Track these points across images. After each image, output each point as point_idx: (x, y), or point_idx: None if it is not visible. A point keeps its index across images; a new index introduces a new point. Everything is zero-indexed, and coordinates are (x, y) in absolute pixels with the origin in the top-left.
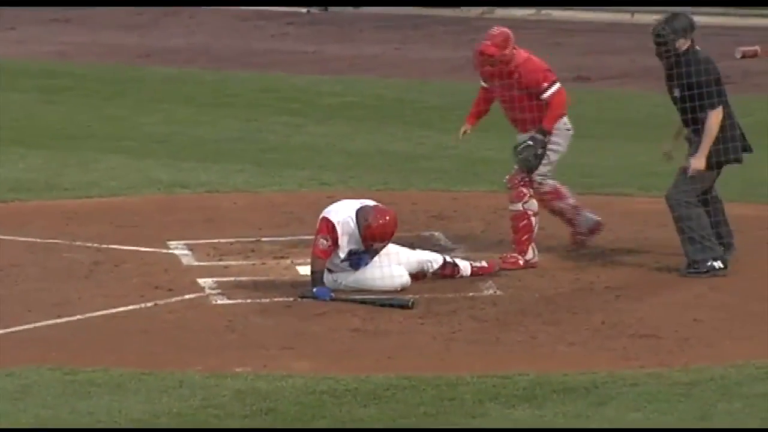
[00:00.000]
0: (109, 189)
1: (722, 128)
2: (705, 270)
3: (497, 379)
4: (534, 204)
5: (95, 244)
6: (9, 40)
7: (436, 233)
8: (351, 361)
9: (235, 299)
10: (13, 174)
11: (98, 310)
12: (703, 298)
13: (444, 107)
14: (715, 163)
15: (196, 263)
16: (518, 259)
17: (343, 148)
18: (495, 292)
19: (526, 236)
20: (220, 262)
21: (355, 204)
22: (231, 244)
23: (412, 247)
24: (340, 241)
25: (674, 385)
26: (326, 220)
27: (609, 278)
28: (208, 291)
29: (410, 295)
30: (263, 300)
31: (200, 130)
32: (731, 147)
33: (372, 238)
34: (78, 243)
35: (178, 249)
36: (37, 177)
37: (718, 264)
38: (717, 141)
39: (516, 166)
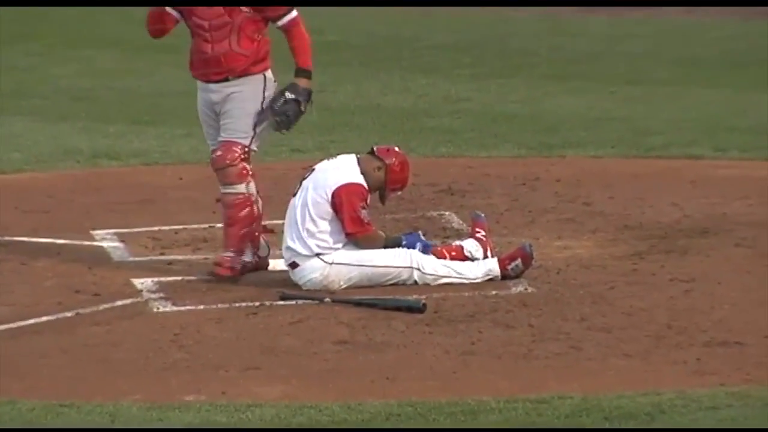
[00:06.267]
0: (12, 163)
1: None
2: None
3: (531, 404)
4: (254, 188)
5: None
6: None
7: (446, 213)
8: (337, 383)
9: (183, 305)
10: None
11: (1, 324)
12: None
13: (453, 47)
14: None
15: (131, 258)
16: (237, 262)
17: (321, 103)
18: (526, 289)
19: (246, 229)
20: (162, 257)
21: (343, 160)
22: (176, 232)
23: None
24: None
25: (766, 408)
26: (356, 185)
27: (676, 268)
28: (146, 295)
29: (416, 295)
30: (220, 306)
31: (130, 82)
32: None
33: (403, 179)
34: None
35: (106, 240)
36: None
37: None
38: None
39: (225, 134)
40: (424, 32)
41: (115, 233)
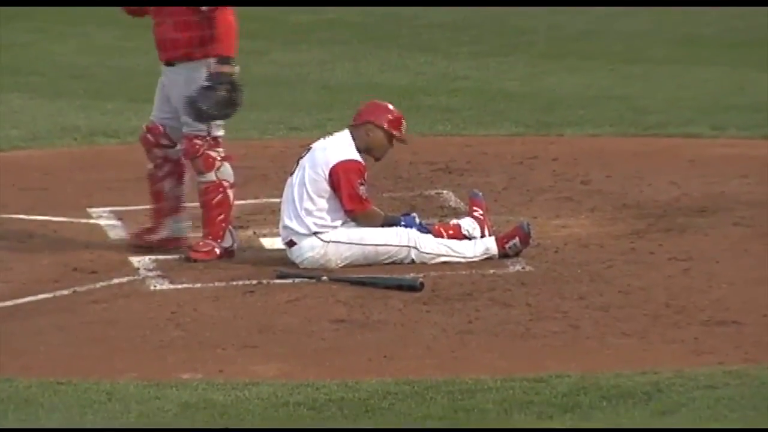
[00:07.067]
0: (10, 140)
1: None
2: None
3: (528, 383)
4: (229, 170)
5: None
6: None
7: (444, 192)
8: (334, 361)
9: (180, 283)
10: None
11: None
12: None
13: (452, 25)
14: None
15: (128, 236)
16: (213, 247)
17: (318, 81)
18: (523, 267)
19: (221, 215)
20: None
21: (339, 138)
22: None
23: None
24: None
25: (763, 387)
26: (353, 162)
27: (674, 247)
28: (143, 273)
29: (413, 273)
30: (217, 284)
31: (129, 59)
32: None
33: (396, 116)
34: None
35: (104, 218)
36: None
37: None
38: None
39: (185, 128)
40: (422, 10)
41: (112, 211)
